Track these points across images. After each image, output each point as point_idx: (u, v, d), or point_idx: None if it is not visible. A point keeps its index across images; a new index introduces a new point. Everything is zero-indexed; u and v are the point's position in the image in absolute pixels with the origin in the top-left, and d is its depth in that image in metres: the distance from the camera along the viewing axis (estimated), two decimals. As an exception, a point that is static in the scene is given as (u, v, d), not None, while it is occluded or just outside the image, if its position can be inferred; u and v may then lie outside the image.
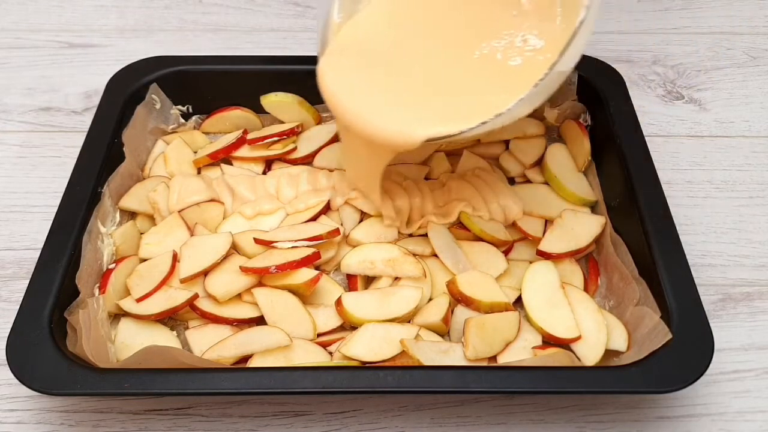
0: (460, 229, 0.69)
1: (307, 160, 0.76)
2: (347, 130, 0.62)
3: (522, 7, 0.61)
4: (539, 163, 0.75)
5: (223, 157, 0.75)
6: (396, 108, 0.58)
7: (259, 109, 0.78)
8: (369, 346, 0.60)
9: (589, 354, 0.60)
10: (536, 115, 0.78)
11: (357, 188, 0.68)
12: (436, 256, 0.67)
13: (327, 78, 0.61)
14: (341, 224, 0.69)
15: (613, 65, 0.77)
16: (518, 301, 0.64)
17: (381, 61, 0.61)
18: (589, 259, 0.69)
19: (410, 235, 0.69)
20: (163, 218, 0.69)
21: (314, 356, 0.61)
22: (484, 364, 0.60)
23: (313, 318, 0.63)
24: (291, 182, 0.72)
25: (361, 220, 0.70)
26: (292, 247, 0.64)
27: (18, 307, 0.58)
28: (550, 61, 0.53)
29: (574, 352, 0.60)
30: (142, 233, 0.69)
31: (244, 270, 0.63)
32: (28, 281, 0.59)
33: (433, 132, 0.55)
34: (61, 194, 0.66)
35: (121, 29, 0.95)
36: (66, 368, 0.55)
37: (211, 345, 0.61)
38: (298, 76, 0.77)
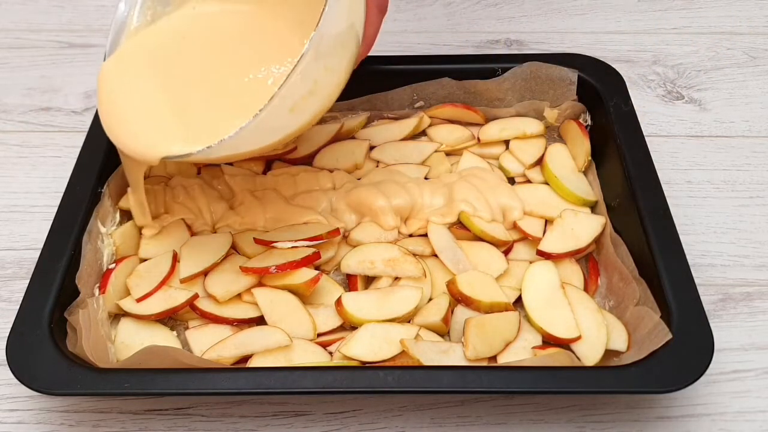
0: (460, 229, 0.69)
1: (307, 160, 0.76)
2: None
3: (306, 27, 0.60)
4: (539, 163, 0.75)
5: (223, 157, 0.75)
6: (149, 122, 0.60)
7: (259, 109, 0.78)
8: (369, 346, 0.60)
9: (589, 354, 0.60)
10: (536, 114, 0.79)
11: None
12: (436, 256, 0.67)
13: (104, 82, 0.62)
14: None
15: (613, 65, 0.77)
16: (518, 301, 0.64)
17: (159, 74, 0.62)
18: (589, 259, 0.69)
19: (410, 236, 0.69)
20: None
21: (314, 356, 0.61)
22: (484, 364, 0.60)
23: (313, 318, 0.63)
24: (291, 182, 0.72)
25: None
26: (292, 247, 0.64)
27: (18, 307, 0.58)
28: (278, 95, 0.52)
29: (574, 352, 0.60)
30: (141, 233, 0.69)
31: (244, 270, 0.63)
32: (28, 281, 0.59)
33: (169, 151, 0.57)
34: (61, 194, 0.66)
35: (121, 29, 0.95)
36: (66, 368, 0.55)
37: (211, 345, 0.61)
38: (298, 76, 0.77)
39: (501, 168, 0.75)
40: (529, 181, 0.74)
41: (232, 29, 0.65)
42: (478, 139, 0.77)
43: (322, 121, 0.79)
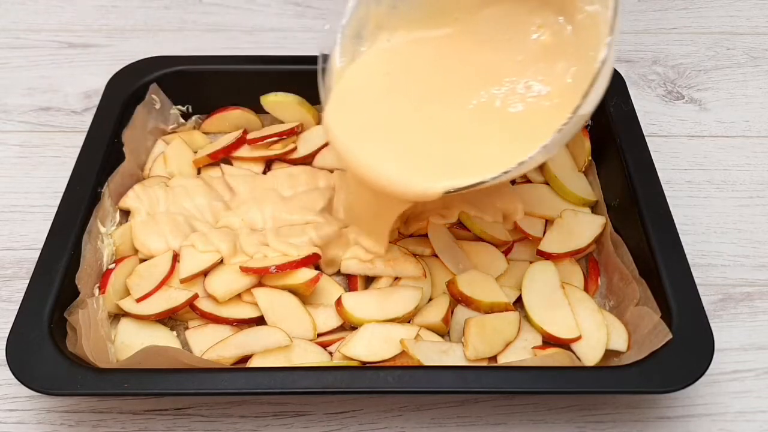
0: (460, 229, 0.69)
1: (307, 160, 0.76)
2: (359, 182, 0.60)
3: (528, 51, 0.59)
4: (539, 163, 0.75)
5: (223, 157, 0.75)
6: (411, 160, 0.57)
7: (259, 109, 0.78)
8: (369, 346, 0.60)
9: (589, 354, 0.60)
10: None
11: (362, 232, 0.66)
12: (436, 256, 0.67)
13: (335, 130, 0.59)
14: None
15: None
16: (518, 301, 0.64)
17: (384, 110, 0.60)
18: (589, 259, 0.69)
19: (411, 236, 0.69)
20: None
21: (314, 356, 0.61)
22: (484, 364, 0.60)
23: (313, 318, 0.63)
24: (290, 182, 0.72)
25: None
26: (276, 271, 0.63)
27: (18, 307, 0.58)
28: (563, 106, 0.51)
29: (574, 352, 0.60)
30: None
31: (244, 270, 0.63)
32: (28, 281, 0.59)
33: (453, 184, 0.54)
34: (61, 194, 0.66)
35: (121, 29, 0.95)
36: (66, 368, 0.55)
37: (211, 345, 0.61)
38: (298, 76, 0.77)
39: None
40: (529, 181, 0.74)
41: (432, 57, 0.62)
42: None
43: (322, 121, 0.79)
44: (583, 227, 0.68)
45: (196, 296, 0.63)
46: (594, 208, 0.71)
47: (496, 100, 0.58)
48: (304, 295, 0.64)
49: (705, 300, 0.59)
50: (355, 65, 0.62)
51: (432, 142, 0.58)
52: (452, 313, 0.64)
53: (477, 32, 0.62)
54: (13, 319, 0.57)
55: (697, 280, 0.59)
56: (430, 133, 0.58)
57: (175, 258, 0.65)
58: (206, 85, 0.78)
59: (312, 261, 0.64)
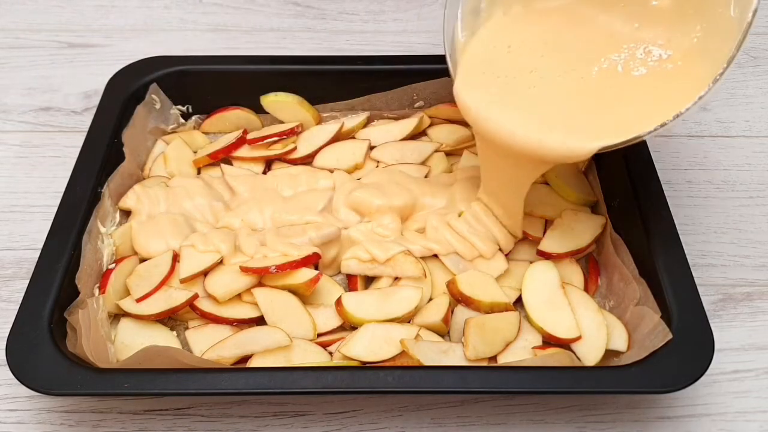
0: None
1: (307, 160, 0.76)
2: (500, 148, 0.61)
3: (646, 17, 0.61)
4: (539, 163, 0.75)
5: (223, 157, 0.75)
6: (558, 120, 0.59)
7: (259, 109, 0.78)
8: (369, 346, 0.60)
9: (589, 354, 0.60)
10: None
11: (495, 202, 0.67)
12: (436, 256, 0.67)
13: (470, 99, 0.61)
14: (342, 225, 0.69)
15: (613, 65, 0.77)
16: (518, 301, 0.64)
17: (517, 75, 0.62)
18: (589, 259, 0.69)
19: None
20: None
21: (314, 356, 0.61)
22: (484, 364, 0.60)
23: (313, 318, 0.63)
24: (291, 182, 0.72)
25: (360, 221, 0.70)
26: (276, 270, 0.63)
27: (18, 307, 0.58)
28: (687, 67, 0.55)
29: (574, 352, 0.60)
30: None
31: (244, 270, 0.63)
32: (28, 281, 0.59)
33: (609, 141, 0.56)
34: (61, 194, 0.66)
35: (121, 29, 0.95)
36: (66, 368, 0.55)
37: (211, 345, 0.61)
38: (298, 76, 0.77)
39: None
40: (529, 181, 0.74)
41: (549, 28, 0.64)
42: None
43: (322, 121, 0.79)
44: (583, 227, 0.68)
45: (196, 296, 0.63)
46: (594, 208, 0.71)
47: (618, 66, 0.60)
48: (304, 295, 0.64)
49: (705, 300, 0.59)
50: (476, 39, 0.64)
51: (568, 106, 0.59)
52: (452, 313, 0.64)
53: (592, 1, 0.64)
54: (13, 319, 0.57)
55: (697, 280, 0.59)
56: (562, 98, 0.60)
57: (175, 258, 0.65)
58: (206, 85, 0.78)
59: (312, 261, 0.64)
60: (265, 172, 0.75)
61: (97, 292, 0.63)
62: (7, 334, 0.56)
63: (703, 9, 0.59)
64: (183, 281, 0.64)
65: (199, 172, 0.75)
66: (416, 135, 0.79)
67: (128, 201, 0.70)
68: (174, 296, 0.63)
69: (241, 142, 0.75)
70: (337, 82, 0.73)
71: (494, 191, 0.67)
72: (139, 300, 0.63)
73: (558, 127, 0.58)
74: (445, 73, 0.77)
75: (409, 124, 0.78)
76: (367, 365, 0.59)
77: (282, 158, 0.76)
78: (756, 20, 0.53)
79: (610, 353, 0.61)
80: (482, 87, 0.62)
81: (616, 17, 0.62)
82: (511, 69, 0.62)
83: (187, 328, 0.64)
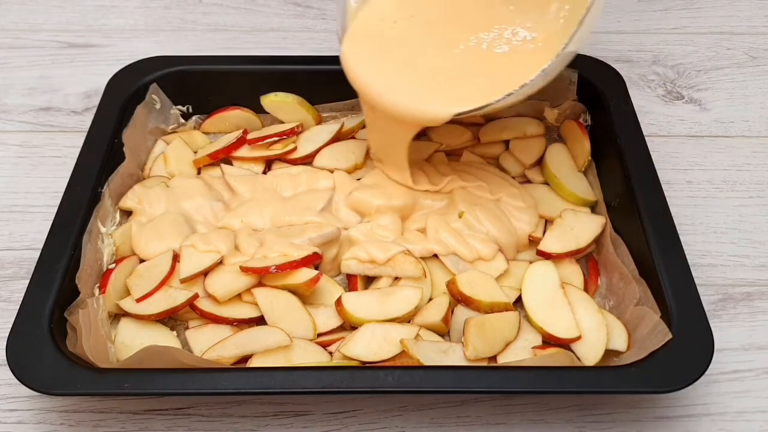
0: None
1: (307, 160, 0.76)
2: (374, 109, 0.66)
3: (520, 1, 0.67)
4: (539, 163, 0.75)
5: (223, 157, 0.75)
6: (423, 87, 0.64)
7: (259, 109, 0.78)
8: (369, 346, 0.60)
9: (589, 354, 0.60)
10: (536, 114, 0.79)
11: (383, 163, 0.72)
12: (436, 256, 0.67)
13: (352, 60, 0.66)
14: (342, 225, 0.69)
15: (613, 65, 0.78)
16: (518, 301, 0.64)
17: (397, 46, 0.67)
18: (589, 259, 0.69)
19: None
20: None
21: (314, 356, 0.61)
22: (484, 364, 0.60)
23: (313, 318, 0.63)
24: (291, 182, 0.72)
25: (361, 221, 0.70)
26: (276, 270, 0.64)
27: (18, 307, 0.58)
28: (547, 47, 0.59)
29: (574, 352, 0.60)
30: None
31: (244, 270, 0.63)
32: (28, 281, 0.59)
33: (461, 107, 0.61)
34: (61, 194, 0.66)
35: (121, 29, 0.95)
36: (66, 368, 0.55)
37: (211, 345, 0.61)
38: (298, 76, 0.77)
39: (501, 168, 0.75)
40: (529, 181, 0.74)
41: (435, 5, 0.68)
42: (478, 139, 0.77)
43: (322, 121, 0.79)
44: (583, 227, 0.68)
45: (196, 296, 0.63)
46: (594, 208, 0.71)
47: (484, 44, 0.66)
48: (304, 295, 0.64)
49: (705, 300, 0.59)
50: (368, 9, 0.68)
51: (434, 76, 0.64)
52: (452, 313, 0.64)
53: None
54: (13, 319, 0.57)
55: (697, 280, 0.60)
56: (430, 69, 0.65)
57: (175, 258, 0.65)
58: (206, 85, 0.78)
59: (312, 261, 0.64)
60: (265, 172, 0.75)
61: (97, 292, 0.63)
62: (7, 334, 0.56)
63: None
64: (183, 281, 0.64)
65: (199, 172, 0.75)
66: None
67: (128, 201, 0.70)
68: (174, 296, 0.63)
69: (241, 142, 0.75)
70: (337, 82, 0.73)
71: (379, 149, 0.72)
72: (139, 300, 0.63)
73: (420, 93, 0.63)
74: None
75: (409, 124, 0.78)
76: (367, 365, 0.59)
77: (282, 158, 0.76)
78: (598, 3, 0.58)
79: (610, 353, 0.61)
80: (365, 53, 0.66)
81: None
82: (392, 40, 0.67)
83: (187, 328, 0.64)
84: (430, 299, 0.65)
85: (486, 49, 0.65)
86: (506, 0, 0.67)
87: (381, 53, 0.66)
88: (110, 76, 0.77)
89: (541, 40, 0.64)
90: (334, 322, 0.63)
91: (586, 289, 0.66)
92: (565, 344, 0.61)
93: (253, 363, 0.60)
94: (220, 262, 0.65)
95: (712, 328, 0.56)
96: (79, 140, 0.71)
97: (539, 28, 0.65)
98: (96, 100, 0.76)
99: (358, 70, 0.65)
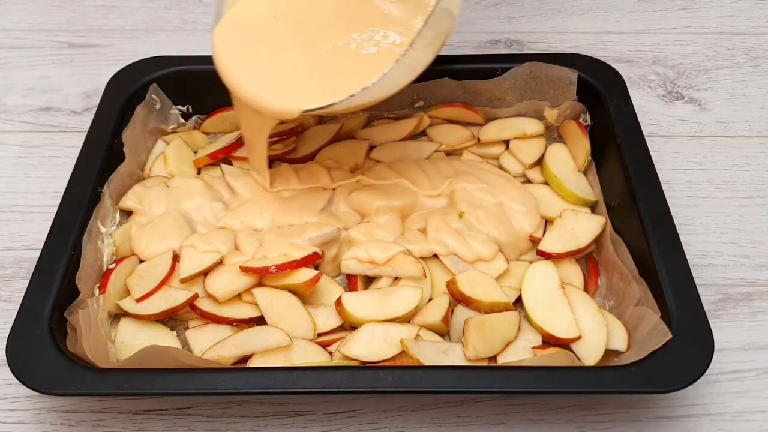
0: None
1: (307, 160, 0.76)
2: (236, 99, 0.67)
3: (401, 6, 0.67)
4: (539, 163, 0.75)
5: (223, 157, 0.75)
6: (279, 81, 0.64)
7: (259, 109, 0.78)
8: (369, 346, 0.60)
9: (589, 354, 0.60)
10: (536, 114, 0.79)
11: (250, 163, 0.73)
12: (436, 256, 0.67)
13: (219, 49, 0.66)
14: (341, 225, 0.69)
15: (613, 65, 0.77)
16: (518, 301, 0.64)
17: (268, 39, 0.67)
18: (589, 259, 0.69)
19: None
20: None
21: (314, 356, 0.61)
22: (484, 364, 0.60)
23: (313, 318, 0.63)
24: (290, 182, 0.72)
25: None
26: (276, 270, 0.64)
27: (18, 307, 0.58)
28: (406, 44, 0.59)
29: (574, 352, 0.60)
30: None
31: (244, 270, 0.63)
32: (28, 281, 0.60)
33: (309, 105, 0.61)
34: (61, 194, 0.66)
35: (121, 29, 0.95)
36: (66, 368, 0.55)
37: (211, 345, 0.61)
38: (298, 76, 0.77)
39: (501, 168, 0.75)
40: (529, 181, 0.74)
41: (315, 3, 0.69)
42: (478, 139, 0.77)
43: (322, 121, 0.79)
44: (583, 227, 0.68)
45: (196, 296, 0.63)
46: (594, 208, 0.71)
47: (353, 44, 0.66)
48: (304, 295, 0.64)
49: (705, 300, 0.59)
50: (249, 1, 0.69)
51: (296, 70, 0.65)
52: (452, 313, 0.64)
53: None
54: (13, 319, 0.57)
55: (697, 280, 0.59)
56: (296, 62, 0.66)
57: (175, 258, 0.65)
58: (206, 85, 0.78)
59: (312, 261, 0.64)
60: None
61: (97, 292, 0.63)
62: (7, 334, 0.56)
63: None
64: (183, 281, 0.64)
65: (199, 172, 0.75)
66: (416, 135, 0.79)
67: (128, 201, 0.70)
68: (174, 296, 0.63)
69: (241, 142, 0.75)
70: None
71: (246, 144, 0.72)
72: (139, 300, 0.63)
73: (275, 87, 0.64)
74: (445, 73, 0.77)
75: (408, 124, 0.78)
76: (367, 365, 0.59)
77: (282, 158, 0.76)
78: (438, 8, 0.58)
79: (610, 353, 0.61)
80: (234, 42, 0.67)
81: (379, 1, 0.68)
82: (264, 34, 0.68)
83: (187, 328, 0.64)
84: (430, 299, 0.65)
85: (354, 49, 0.65)
86: (386, 5, 0.68)
87: (249, 44, 0.67)
88: (110, 76, 0.77)
89: (408, 44, 0.64)
90: (334, 322, 0.63)
91: (586, 289, 0.66)
92: (565, 344, 0.61)
93: (253, 363, 0.60)
94: (220, 262, 0.65)
95: (712, 328, 0.56)
96: (79, 140, 0.71)
97: (408, 34, 0.66)
98: (96, 100, 0.76)
99: (222, 57, 0.66)
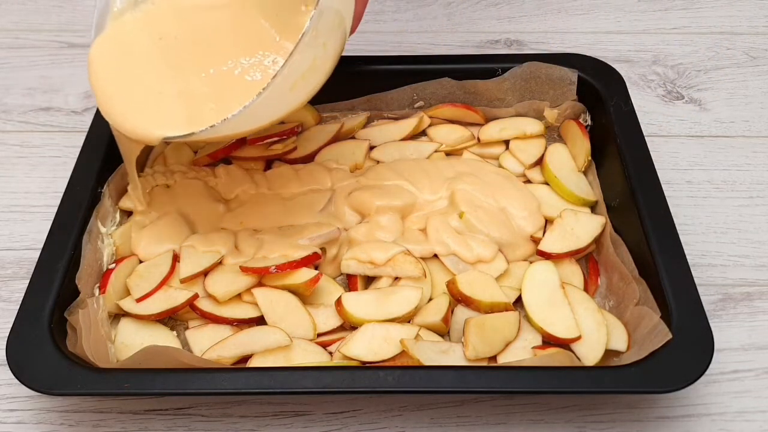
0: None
1: (307, 160, 0.76)
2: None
3: (289, 30, 0.64)
4: (539, 163, 0.75)
5: (223, 157, 0.75)
6: (146, 105, 0.62)
7: (259, 109, 0.78)
8: (369, 346, 0.60)
9: (589, 354, 0.60)
10: (536, 114, 0.79)
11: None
12: (436, 256, 0.67)
13: (94, 65, 0.64)
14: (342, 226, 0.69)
15: (613, 65, 0.77)
16: (518, 301, 0.64)
17: (147, 60, 0.65)
18: (589, 259, 0.69)
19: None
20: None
21: (314, 356, 0.61)
22: (484, 364, 0.60)
23: (313, 318, 0.63)
24: (291, 183, 0.72)
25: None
26: (276, 270, 0.64)
27: (18, 307, 0.58)
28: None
29: (574, 352, 0.60)
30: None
31: (244, 270, 0.63)
32: (28, 281, 0.60)
33: (170, 133, 0.59)
34: (61, 194, 0.66)
35: (121, 29, 0.95)
36: (66, 368, 0.55)
37: (211, 345, 0.61)
38: (298, 76, 0.77)
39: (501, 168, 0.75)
40: (529, 181, 0.74)
41: (205, 22, 0.66)
42: (478, 139, 0.77)
43: (322, 121, 0.79)
44: (583, 227, 0.68)
45: (196, 296, 0.63)
46: (594, 208, 0.71)
47: (237, 69, 0.63)
48: (304, 295, 0.64)
49: (705, 300, 0.59)
50: (136, 14, 0.67)
51: (168, 95, 0.62)
52: (452, 313, 0.64)
53: (258, 4, 0.66)
54: (13, 319, 0.57)
55: (697, 280, 0.59)
56: (171, 87, 0.63)
57: (175, 258, 0.65)
58: (206, 85, 0.78)
59: (312, 261, 0.64)
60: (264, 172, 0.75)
61: (97, 292, 0.63)
62: (7, 334, 0.56)
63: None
64: (183, 281, 0.64)
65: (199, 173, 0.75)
66: (416, 135, 0.79)
67: (128, 201, 0.70)
68: (174, 296, 0.63)
69: (241, 142, 0.75)
70: (337, 82, 0.72)
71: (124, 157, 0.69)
72: (139, 300, 0.63)
73: (140, 111, 0.61)
74: (445, 73, 0.77)
75: (408, 124, 0.78)
76: (367, 365, 0.59)
77: (282, 158, 0.76)
78: (305, 40, 0.53)
79: (610, 353, 0.61)
80: (112, 58, 0.65)
81: (270, 26, 0.64)
82: (145, 54, 0.65)
83: (187, 328, 0.64)
84: (430, 299, 0.65)
85: (238, 75, 0.62)
86: (276, 30, 0.65)
87: (125, 63, 0.64)
88: (110, 76, 0.77)
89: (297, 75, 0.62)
90: (334, 322, 0.63)
91: (586, 289, 0.66)
92: (565, 344, 0.61)
93: (253, 363, 0.60)
94: (220, 263, 0.65)
95: (712, 328, 0.56)
96: (79, 140, 0.71)
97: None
98: (96, 100, 0.75)
99: (94, 72, 0.64)
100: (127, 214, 0.71)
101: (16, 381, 0.54)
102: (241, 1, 0.66)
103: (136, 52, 0.65)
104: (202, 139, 0.58)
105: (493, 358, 0.61)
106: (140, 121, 0.60)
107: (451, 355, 0.60)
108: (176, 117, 0.61)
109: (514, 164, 0.75)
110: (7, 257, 0.71)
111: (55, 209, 0.65)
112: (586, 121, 0.77)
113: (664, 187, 0.66)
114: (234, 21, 0.66)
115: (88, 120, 0.74)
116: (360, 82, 0.78)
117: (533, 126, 0.77)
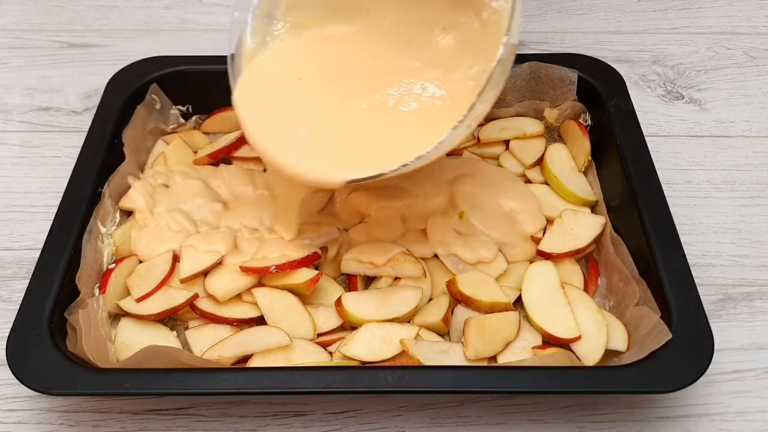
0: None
1: (307, 160, 0.76)
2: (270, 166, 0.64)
3: (428, 55, 0.63)
4: (539, 163, 0.75)
5: (223, 157, 0.75)
6: (317, 149, 0.60)
7: (259, 109, 0.78)
8: (369, 346, 0.60)
9: (589, 354, 0.60)
10: (536, 114, 0.79)
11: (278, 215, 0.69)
12: (436, 256, 0.67)
13: (244, 113, 0.62)
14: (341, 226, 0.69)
15: (613, 65, 0.77)
16: (518, 301, 0.64)
17: (296, 102, 0.63)
18: (589, 259, 0.69)
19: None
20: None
21: (314, 356, 0.61)
22: (484, 364, 0.60)
23: (313, 318, 0.63)
24: (290, 183, 0.72)
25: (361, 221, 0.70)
26: (276, 270, 0.64)
27: (18, 307, 0.58)
28: (456, 107, 0.54)
29: (574, 352, 0.60)
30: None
31: (244, 270, 0.63)
32: (28, 281, 0.59)
33: (356, 174, 0.57)
34: (61, 194, 0.66)
35: (121, 29, 0.95)
36: (66, 368, 0.55)
37: (211, 345, 0.61)
38: (298, 76, 0.77)
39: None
40: (529, 181, 0.74)
41: (340, 55, 0.65)
42: (478, 139, 0.77)
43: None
44: (583, 227, 0.68)
45: (196, 296, 0.63)
46: (594, 208, 0.71)
47: (391, 101, 0.62)
48: (304, 295, 0.64)
49: (705, 300, 0.59)
50: (268, 53, 0.65)
51: (334, 135, 0.61)
52: (452, 313, 0.64)
53: (383, 32, 0.65)
54: (13, 319, 0.57)
55: (696, 280, 0.60)
56: (332, 127, 0.61)
57: (175, 258, 0.65)
58: (206, 85, 0.78)
59: (312, 261, 0.64)
60: (265, 171, 0.75)
61: (97, 292, 0.63)
62: (7, 334, 0.56)
63: (482, 49, 0.59)
64: (183, 281, 0.64)
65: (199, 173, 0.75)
66: (416, 135, 0.79)
67: (128, 201, 0.70)
68: (174, 296, 0.63)
69: (241, 142, 0.75)
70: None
71: (277, 195, 0.68)
72: (139, 300, 0.63)
73: (314, 156, 0.59)
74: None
75: (409, 124, 0.78)
76: (367, 365, 0.59)
77: (282, 158, 0.76)
78: (501, 68, 0.51)
79: (610, 353, 0.61)
80: (260, 104, 0.62)
81: (404, 53, 0.63)
82: (291, 95, 0.63)
83: (187, 328, 0.64)
84: (430, 299, 0.65)
85: (392, 107, 0.61)
86: (412, 56, 0.64)
87: (276, 108, 0.62)
88: (110, 76, 0.77)
89: (449, 98, 0.60)
90: (334, 322, 0.63)
91: (586, 289, 0.66)
92: (565, 344, 0.61)
93: (253, 363, 0.60)
94: (220, 262, 0.65)
95: (712, 328, 0.56)
96: (79, 140, 0.71)
97: (446, 86, 0.61)
98: (96, 100, 0.76)
99: (250, 124, 0.61)
100: (127, 214, 0.71)
101: (16, 381, 0.54)
102: (365, 31, 0.65)
103: (285, 96, 0.63)
104: (385, 178, 0.56)
105: (493, 358, 0.61)
106: (320, 167, 0.58)
107: (451, 355, 0.60)
108: (353, 157, 0.59)
109: (514, 164, 0.75)
110: (7, 257, 0.71)
111: (55, 209, 0.65)
112: (586, 121, 0.77)
113: (664, 187, 0.66)
114: (364, 52, 0.65)
115: (88, 120, 0.74)
116: (360, 82, 0.78)
117: (533, 126, 0.77)
